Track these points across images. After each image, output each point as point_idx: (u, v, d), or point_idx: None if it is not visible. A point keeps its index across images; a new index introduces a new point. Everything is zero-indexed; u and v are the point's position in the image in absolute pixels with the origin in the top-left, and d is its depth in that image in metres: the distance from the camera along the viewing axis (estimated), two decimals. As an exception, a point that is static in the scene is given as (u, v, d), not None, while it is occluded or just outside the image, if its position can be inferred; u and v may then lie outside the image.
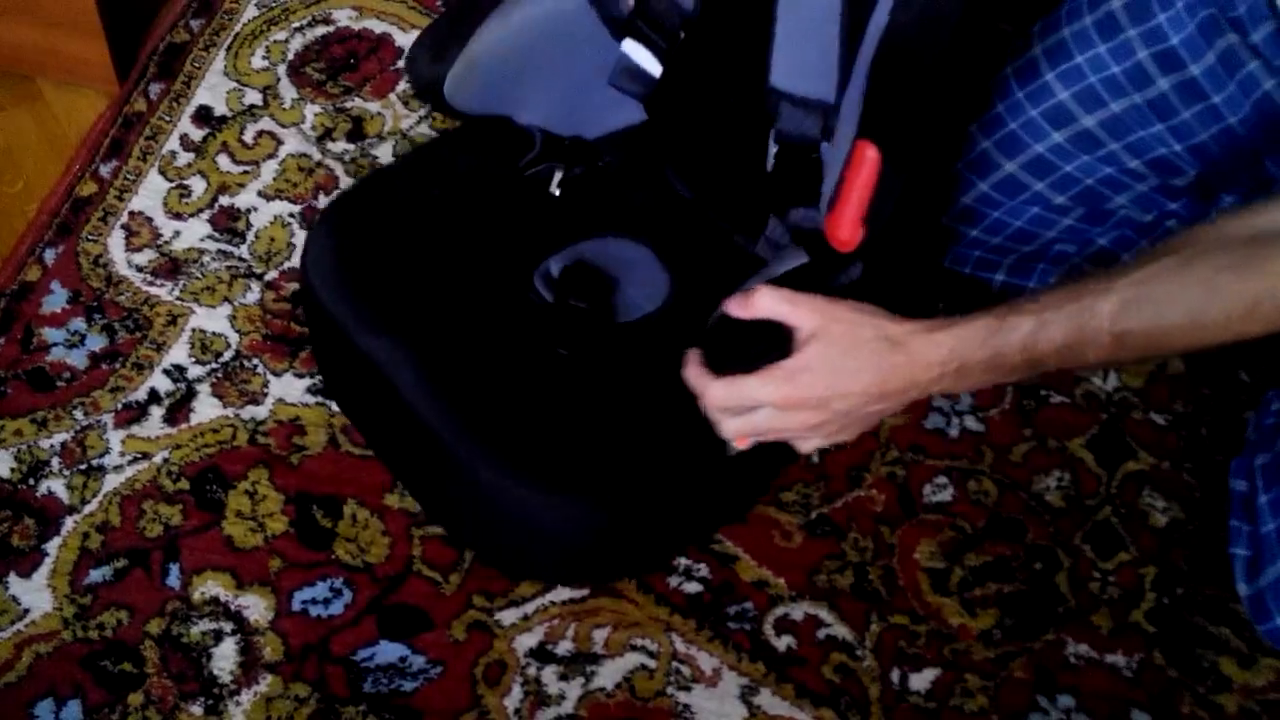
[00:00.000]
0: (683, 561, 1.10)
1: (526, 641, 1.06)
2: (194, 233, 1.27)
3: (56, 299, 1.22)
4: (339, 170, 1.33)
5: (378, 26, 1.45)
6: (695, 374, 0.94)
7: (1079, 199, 1.16)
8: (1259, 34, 1.03)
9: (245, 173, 1.32)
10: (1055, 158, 1.14)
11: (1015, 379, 0.89)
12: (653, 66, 1.04)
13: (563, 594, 1.08)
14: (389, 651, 1.04)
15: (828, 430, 0.92)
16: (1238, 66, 1.05)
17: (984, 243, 1.22)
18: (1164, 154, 1.11)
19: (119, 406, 1.16)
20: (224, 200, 1.30)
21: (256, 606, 1.06)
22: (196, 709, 1.01)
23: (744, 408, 0.92)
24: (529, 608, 1.07)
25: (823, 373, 0.88)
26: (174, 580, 1.07)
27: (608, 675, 1.04)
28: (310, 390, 1.17)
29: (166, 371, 1.18)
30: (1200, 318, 0.85)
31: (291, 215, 1.29)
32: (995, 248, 1.22)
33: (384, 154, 1.34)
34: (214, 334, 1.21)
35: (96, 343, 1.19)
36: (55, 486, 1.11)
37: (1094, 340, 0.86)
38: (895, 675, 1.06)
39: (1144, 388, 1.23)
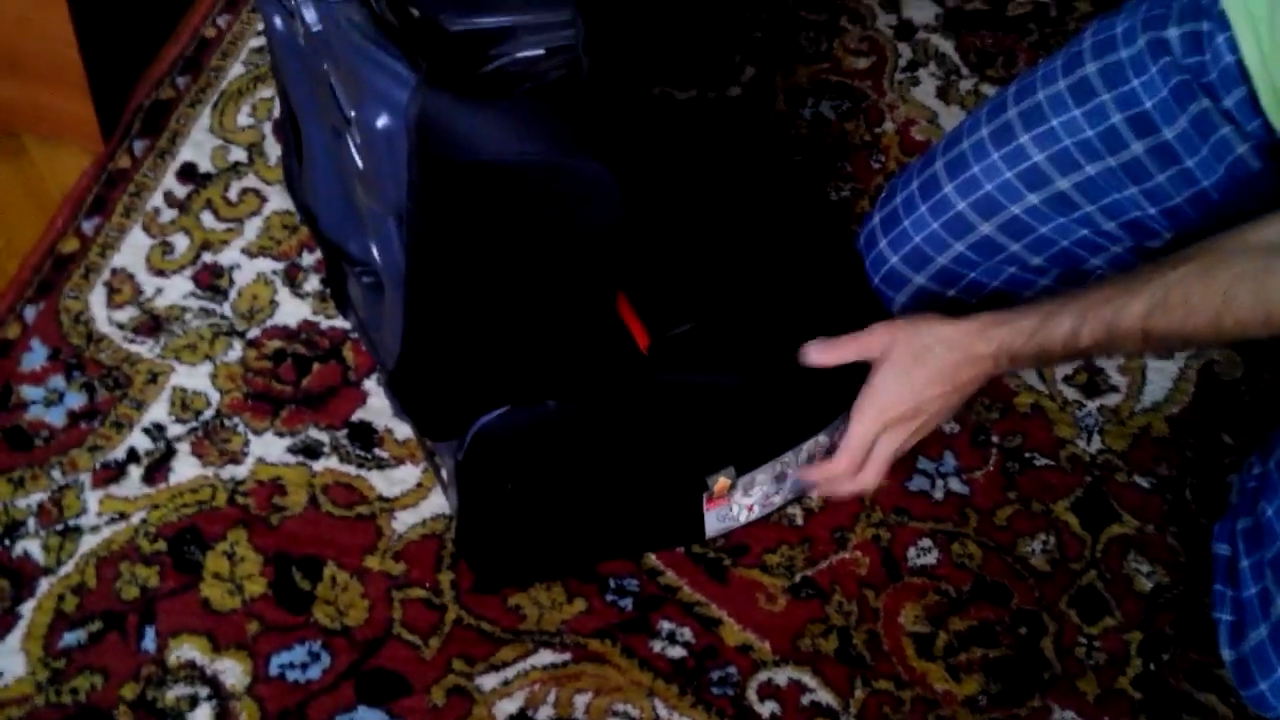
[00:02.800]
0: (665, 625, 1.09)
1: (507, 708, 1.04)
2: (176, 290, 1.27)
3: (36, 356, 1.21)
4: (323, 228, 1.32)
5: (364, 85, 1.45)
6: (811, 472, 1.09)
7: (1055, 260, 1.17)
8: (1231, 99, 1.05)
9: (229, 230, 1.32)
10: (1031, 219, 1.15)
11: (1059, 364, 1.05)
12: None
13: (544, 658, 1.07)
14: (367, 718, 1.03)
15: (930, 426, 1.06)
16: (1211, 131, 1.06)
17: (960, 305, 1.22)
18: (1138, 216, 1.12)
19: (97, 466, 1.15)
20: (207, 257, 1.29)
21: (233, 671, 1.05)
22: (170, 776, 0.99)
23: (864, 455, 1.05)
24: (510, 672, 1.06)
25: (902, 387, 1.03)
26: (149, 644, 1.05)
27: (589, 742, 1.03)
28: (291, 449, 1.17)
29: (146, 430, 1.17)
30: (1220, 322, 0.93)
31: (275, 273, 1.29)
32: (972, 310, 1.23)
33: (368, 212, 1.33)
34: (195, 392, 1.20)
35: (76, 401, 1.18)
36: (31, 547, 1.10)
37: (1128, 336, 0.96)
38: (880, 742, 1.05)
39: (1127, 450, 1.23)
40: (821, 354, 1.05)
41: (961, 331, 1.01)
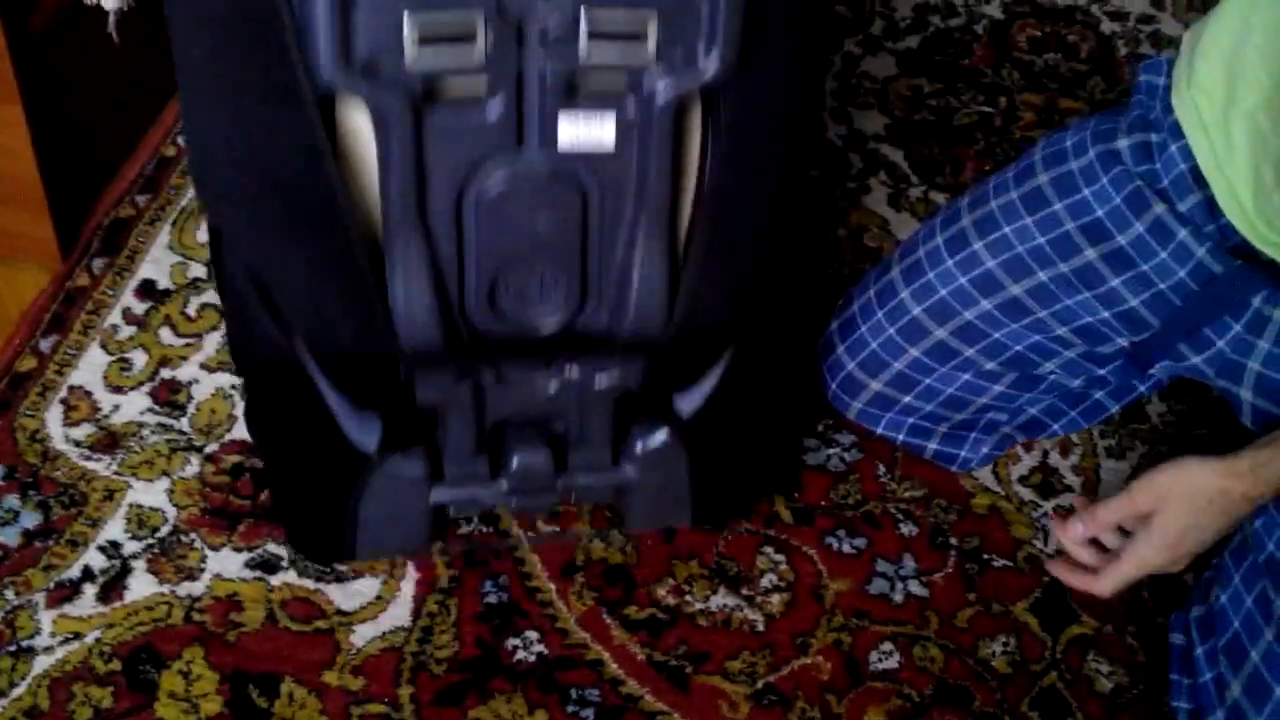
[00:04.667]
0: (628, 736, 1.08)
1: (467, 824, 1.03)
2: (134, 406, 1.27)
3: (-9, 476, 1.20)
4: (282, 342, 1.33)
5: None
6: (1065, 574, 1.14)
7: (1009, 364, 1.19)
8: (1186, 204, 1.07)
9: (188, 345, 1.32)
10: (985, 324, 1.17)
11: None
12: None
13: (505, 773, 1.05)
14: (325, 838, 1.01)
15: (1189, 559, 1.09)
16: (1168, 236, 1.08)
17: (917, 409, 1.24)
18: (1090, 322, 1.14)
19: (51, 585, 1.13)
20: (165, 373, 1.30)
21: (188, 793, 1.03)
22: None
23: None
24: (470, 788, 1.05)
25: (1179, 536, 1.05)
26: (102, 767, 1.03)
27: None
28: (249, 564, 1.16)
29: (101, 548, 1.16)
30: None
31: (233, 387, 1.29)
32: (928, 415, 1.24)
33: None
34: (151, 509, 1.19)
35: (31, 520, 1.17)
36: (-18, 670, 1.08)
37: None
38: None
39: (1085, 549, 1.23)
40: (1088, 526, 1.10)
41: (1234, 478, 1.02)
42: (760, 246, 1.05)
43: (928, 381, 1.21)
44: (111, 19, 1.28)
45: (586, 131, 0.92)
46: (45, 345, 1.30)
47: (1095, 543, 1.12)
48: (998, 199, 1.17)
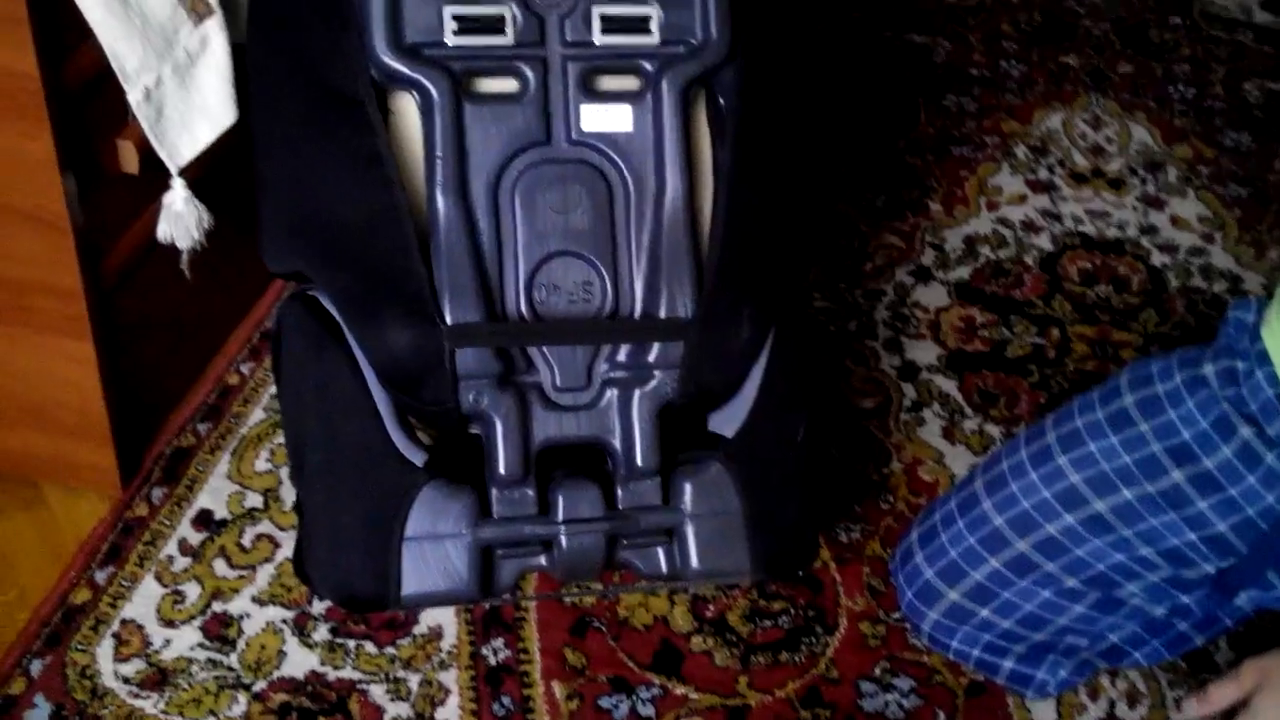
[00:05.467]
0: None
1: None
2: (184, 640, 1.26)
3: (39, 714, 1.19)
4: (334, 574, 1.32)
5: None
6: None
7: (1091, 584, 1.17)
8: (1274, 428, 1.06)
9: (241, 577, 1.32)
10: (1067, 540, 1.15)
11: None
12: None
13: None
14: None
15: None
16: (1256, 460, 1.07)
17: (994, 626, 1.21)
18: (1177, 544, 1.12)
19: (92, 832, 1.11)
20: (217, 606, 1.29)
21: None
22: None
23: None
24: None
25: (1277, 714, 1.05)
26: None
27: None
28: (292, 813, 1.13)
29: (145, 792, 1.14)
30: None
31: (284, 621, 1.28)
32: (1005, 633, 1.21)
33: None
34: (197, 750, 1.18)
35: (75, 760, 1.16)
36: None
37: None
38: None
39: None
40: (1201, 705, 1.11)
41: None
42: (776, 225, 1.14)
43: (1006, 595, 1.19)
44: (185, 257, 1.33)
45: (606, 118, 1.07)
46: (101, 577, 1.31)
47: None
48: (1083, 417, 1.17)
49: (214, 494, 1.40)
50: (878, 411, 1.56)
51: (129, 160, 1.24)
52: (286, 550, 1.35)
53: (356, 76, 1.05)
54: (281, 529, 1.37)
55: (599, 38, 1.07)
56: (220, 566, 1.33)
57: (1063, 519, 1.15)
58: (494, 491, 1.10)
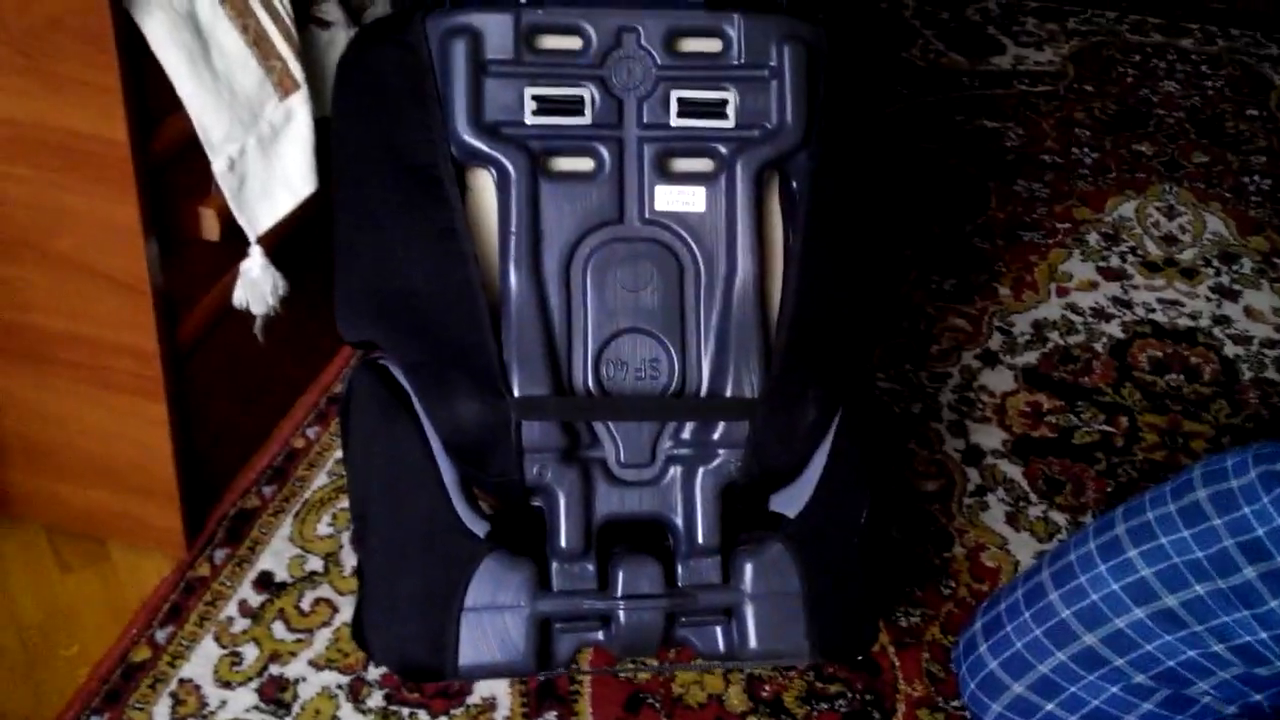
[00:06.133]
0: None
1: None
2: (240, 703, 1.27)
3: (94, 770, 1.20)
4: (391, 641, 1.33)
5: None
6: None
7: (1161, 679, 1.14)
8: None
9: (299, 641, 1.33)
10: (1136, 634, 1.13)
11: None
12: None
13: None
14: None
15: None
16: (1275, 485, 1.06)
17: None
18: (1249, 641, 1.10)
19: None
20: (274, 669, 1.30)
21: None
22: None
23: None
24: None
25: None
26: None
27: None
28: None
29: None
30: None
31: (339, 686, 1.28)
32: None
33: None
34: (248, 814, 1.18)
35: (128, 819, 1.16)
36: None
37: None
38: None
39: None
40: None
41: None
42: (844, 309, 1.14)
43: (1073, 689, 1.17)
44: (259, 322, 1.35)
45: (679, 199, 1.08)
46: (161, 636, 1.32)
47: None
48: (1154, 510, 1.16)
49: (275, 556, 1.41)
50: (941, 495, 1.54)
51: (210, 227, 1.28)
52: (344, 615, 1.35)
53: (437, 153, 1.08)
54: (340, 594, 1.38)
55: (675, 120, 1.08)
56: (279, 629, 1.34)
57: (1132, 613, 1.13)
58: (554, 564, 1.10)
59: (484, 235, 1.09)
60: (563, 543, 1.08)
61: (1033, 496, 1.55)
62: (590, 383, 1.10)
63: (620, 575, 1.09)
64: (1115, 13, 2.59)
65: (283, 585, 1.39)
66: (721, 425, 1.10)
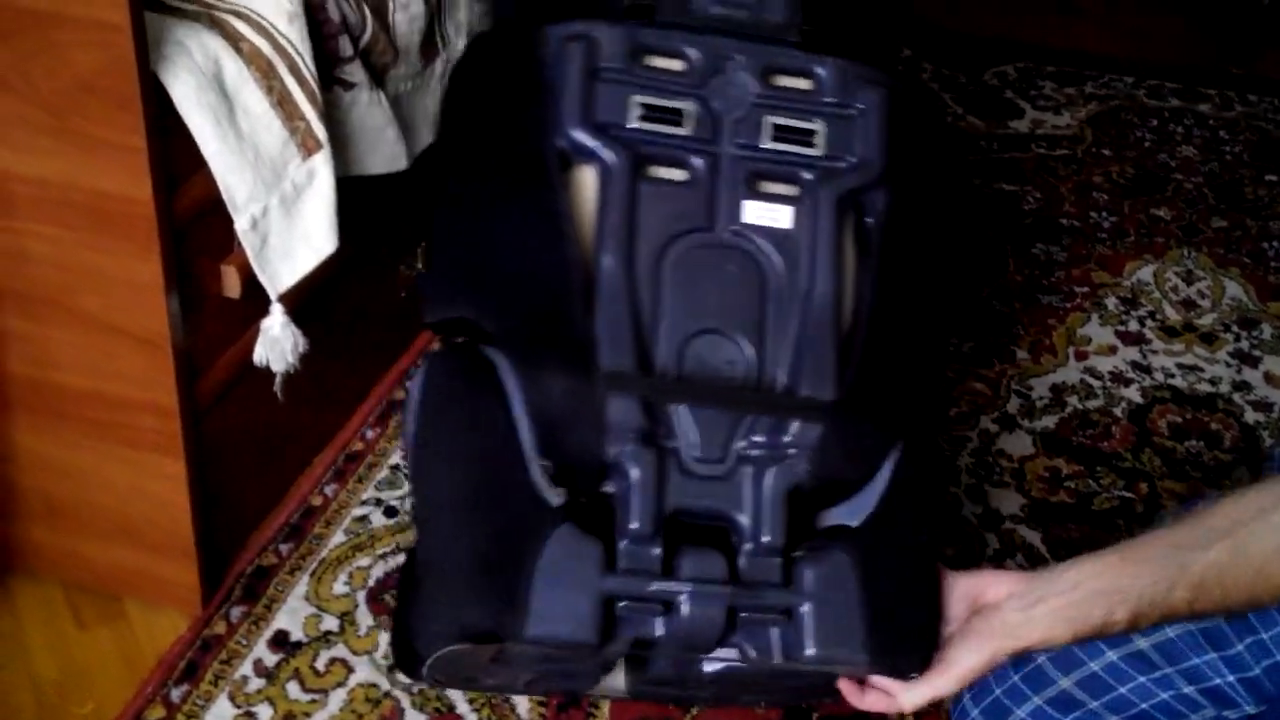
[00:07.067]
0: None
1: None
2: (253, 764, 1.26)
3: (105, 831, 1.19)
4: (405, 701, 1.32)
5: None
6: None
7: None
8: None
9: (313, 701, 1.32)
10: (1110, 677, 1.13)
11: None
12: None
13: None
14: None
15: None
16: None
17: None
18: (1219, 684, 1.10)
19: None
20: (288, 729, 1.29)
21: None
22: None
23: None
24: None
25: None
26: None
27: None
28: None
29: None
30: (1257, 597, 1.01)
31: (352, 748, 1.28)
32: None
33: (455, 694, 1.33)
34: None
35: None
36: None
37: (1174, 616, 1.04)
38: None
39: None
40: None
41: (1012, 622, 1.06)
42: (914, 337, 1.19)
43: None
44: (278, 379, 1.36)
45: (766, 214, 1.13)
46: (176, 694, 1.31)
47: None
48: None
49: (291, 615, 1.41)
50: (959, 560, 1.53)
51: (231, 285, 1.29)
52: (360, 675, 1.35)
53: (545, 143, 1.14)
54: (355, 653, 1.37)
55: (767, 143, 1.14)
56: (293, 689, 1.34)
57: (1105, 655, 1.13)
58: (622, 544, 1.09)
59: (582, 226, 1.14)
60: (634, 524, 1.08)
61: (1051, 562, 1.54)
62: (673, 370, 1.13)
63: (685, 563, 1.09)
64: (1133, 77, 2.60)
65: (298, 644, 1.38)
66: (794, 427, 1.11)
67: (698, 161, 1.14)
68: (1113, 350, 1.88)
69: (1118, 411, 1.77)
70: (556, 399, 1.10)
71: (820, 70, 1.17)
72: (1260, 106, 2.52)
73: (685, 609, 1.08)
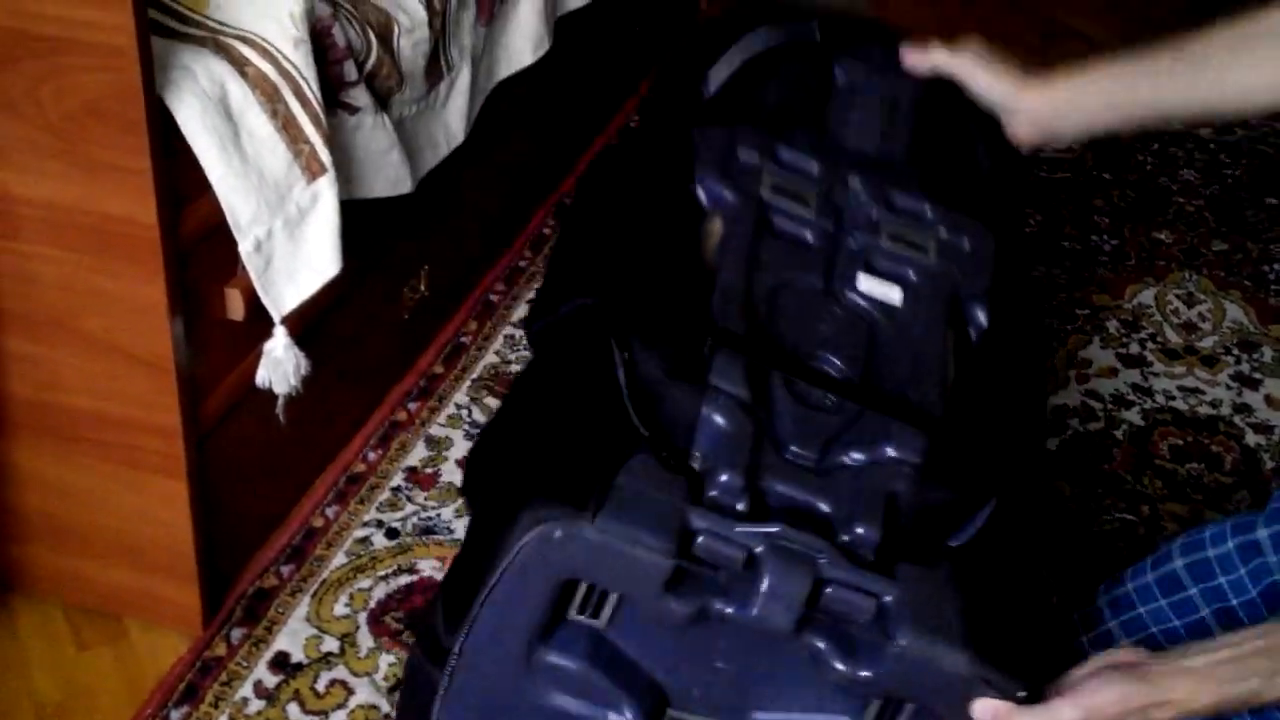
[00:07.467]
0: None
1: None
2: (254, 785, 1.26)
3: None
4: (406, 724, 1.32)
5: (459, 579, 1.49)
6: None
7: None
8: (1266, 531, 1.08)
9: (313, 723, 1.32)
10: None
11: None
12: None
13: None
14: None
15: None
16: (1253, 556, 1.08)
17: None
18: None
19: None
20: (288, 752, 1.29)
21: None
22: None
23: None
24: None
25: None
26: None
27: None
28: None
29: None
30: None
31: (353, 771, 1.28)
32: None
33: (452, 712, 1.33)
34: None
35: None
36: None
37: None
38: None
39: None
40: None
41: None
42: (1013, 405, 1.21)
43: None
44: (281, 402, 1.36)
45: (879, 289, 1.17)
46: (176, 716, 1.31)
47: None
48: (1133, 581, 1.17)
49: (292, 636, 1.41)
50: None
51: (235, 307, 1.29)
52: (360, 697, 1.35)
53: (683, 187, 1.19)
54: (356, 675, 1.37)
55: (885, 242, 1.19)
56: (294, 711, 1.34)
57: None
58: (710, 491, 1.01)
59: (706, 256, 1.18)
60: (723, 476, 1.01)
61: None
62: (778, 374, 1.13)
63: (775, 505, 1.03)
64: (1133, 101, 2.61)
65: (299, 666, 1.38)
66: (896, 441, 1.08)
67: (818, 234, 1.18)
68: (1114, 373, 1.88)
69: (1119, 434, 1.77)
70: (659, 363, 1.07)
71: (929, 208, 1.22)
72: (1260, 130, 2.53)
73: (769, 564, 0.99)
